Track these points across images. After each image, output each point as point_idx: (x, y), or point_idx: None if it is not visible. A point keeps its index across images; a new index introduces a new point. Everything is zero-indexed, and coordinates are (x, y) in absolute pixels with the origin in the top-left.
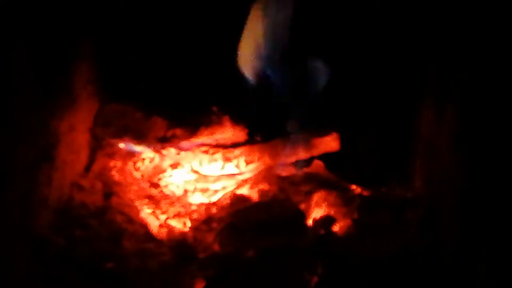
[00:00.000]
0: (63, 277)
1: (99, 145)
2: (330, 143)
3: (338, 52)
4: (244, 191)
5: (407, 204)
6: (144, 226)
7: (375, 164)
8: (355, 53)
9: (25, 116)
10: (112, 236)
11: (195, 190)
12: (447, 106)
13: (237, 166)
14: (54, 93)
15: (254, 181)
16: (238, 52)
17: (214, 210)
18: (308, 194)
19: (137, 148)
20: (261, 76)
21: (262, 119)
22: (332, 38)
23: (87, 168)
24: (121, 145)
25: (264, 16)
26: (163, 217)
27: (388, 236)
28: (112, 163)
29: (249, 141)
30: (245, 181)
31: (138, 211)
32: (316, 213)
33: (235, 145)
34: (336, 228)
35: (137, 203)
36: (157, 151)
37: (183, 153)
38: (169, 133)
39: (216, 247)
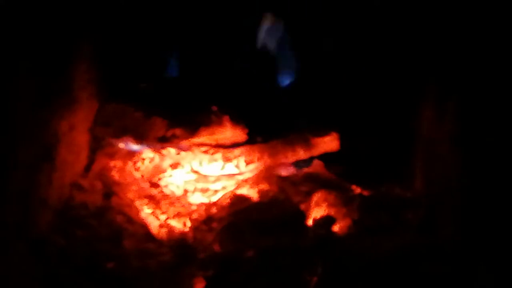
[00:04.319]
0: (63, 277)
1: (99, 145)
2: (330, 143)
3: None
4: (244, 191)
5: (407, 204)
6: (144, 226)
7: (375, 164)
8: (356, 53)
9: (25, 116)
10: (112, 236)
11: (195, 190)
12: (447, 106)
13: (237, 166)
14: (54, 93)
15: (254, 181)
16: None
17: (214, 210)
18: (308, 194)
19: (137, 147)
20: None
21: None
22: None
23: (87, 168)
24: (121, 145)
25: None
26: (163, 217)
27: (388, 236)
28: (112, 163)
29: (249, 141)
30: (245, 181)
31: (138, 211)
32: (316, 213)
33: (235, 145)
34: (336, 228)
35: (137, 203)
36: (157, 151)
37: (183, 153)
38: (169, 133)
39: (216, 247)
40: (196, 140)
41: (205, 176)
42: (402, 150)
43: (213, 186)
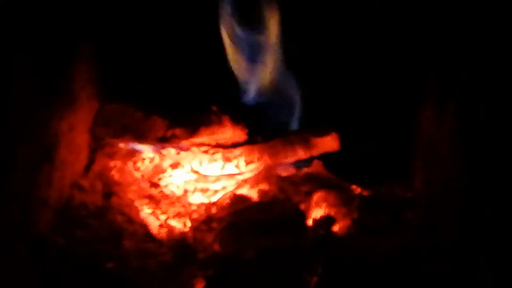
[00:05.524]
0: (63, 277)
1: (99, 145)
2: (330, 143)
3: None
4: (244, 191)
5: (407, 204)
6: (144, 226)
7: (375, 164)
8: (357, 53)
9: (25, 116)
10: (112, 236)
11: (195, 190)
12: (447, 106)
13: (237, 166)
14: (54, 93)
15: (254, 181)
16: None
17: (214, 210)
18: (308, 194)
19: (137, 147)
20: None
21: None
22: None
23: (87, 168)
24: (121, 145)
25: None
26: (163, 217)
27: (388, 236)
28: (112, 163)
29: (249, 141)
30: (245, 181)
31: (138, 211)
32: (316, 213)
33: (235, 145)
34: (336, 228)
35: (137, 203)
36: (157, 151)
37: (183, 153)
38: (169, 133)
39: (216, 247)
40: (196, 140)
41: (205, 176)
42: (402, 150)
43: (213, 186)
